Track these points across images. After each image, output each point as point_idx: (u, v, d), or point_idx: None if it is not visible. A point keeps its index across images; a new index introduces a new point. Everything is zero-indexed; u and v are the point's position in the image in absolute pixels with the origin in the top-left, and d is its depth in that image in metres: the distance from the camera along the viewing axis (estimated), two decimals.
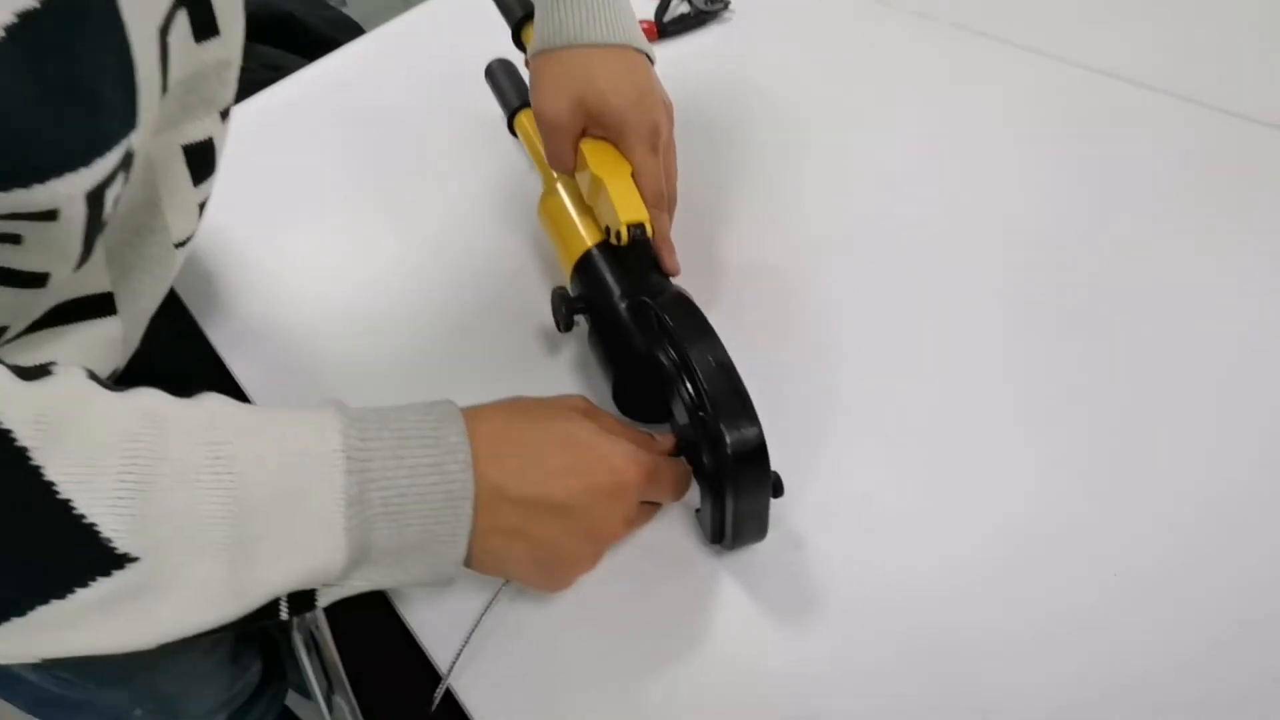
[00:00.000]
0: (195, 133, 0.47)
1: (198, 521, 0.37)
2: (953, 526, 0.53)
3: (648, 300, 0.54)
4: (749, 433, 0.47)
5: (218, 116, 0.48)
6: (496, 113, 0.77)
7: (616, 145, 0.60)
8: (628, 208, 0.58)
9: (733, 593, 0.52)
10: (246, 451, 0.38)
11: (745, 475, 0.47)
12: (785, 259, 0.68)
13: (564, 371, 0.63)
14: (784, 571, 0.52)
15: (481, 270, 0.70)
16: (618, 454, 0.47)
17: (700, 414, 0.49)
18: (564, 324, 0.59)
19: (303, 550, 0.39)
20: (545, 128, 0.61)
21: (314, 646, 0.57)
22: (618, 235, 0.58)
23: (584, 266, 0.61)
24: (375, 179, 0.79)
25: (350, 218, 0.76)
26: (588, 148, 0.61)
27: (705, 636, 0.51)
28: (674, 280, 0.61)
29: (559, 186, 0.66)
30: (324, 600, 0.42)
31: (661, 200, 0.60)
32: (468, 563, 0.45)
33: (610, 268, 0.60)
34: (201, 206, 0.51)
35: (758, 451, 0.47)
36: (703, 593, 0.52)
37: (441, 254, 0.72)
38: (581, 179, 0.63)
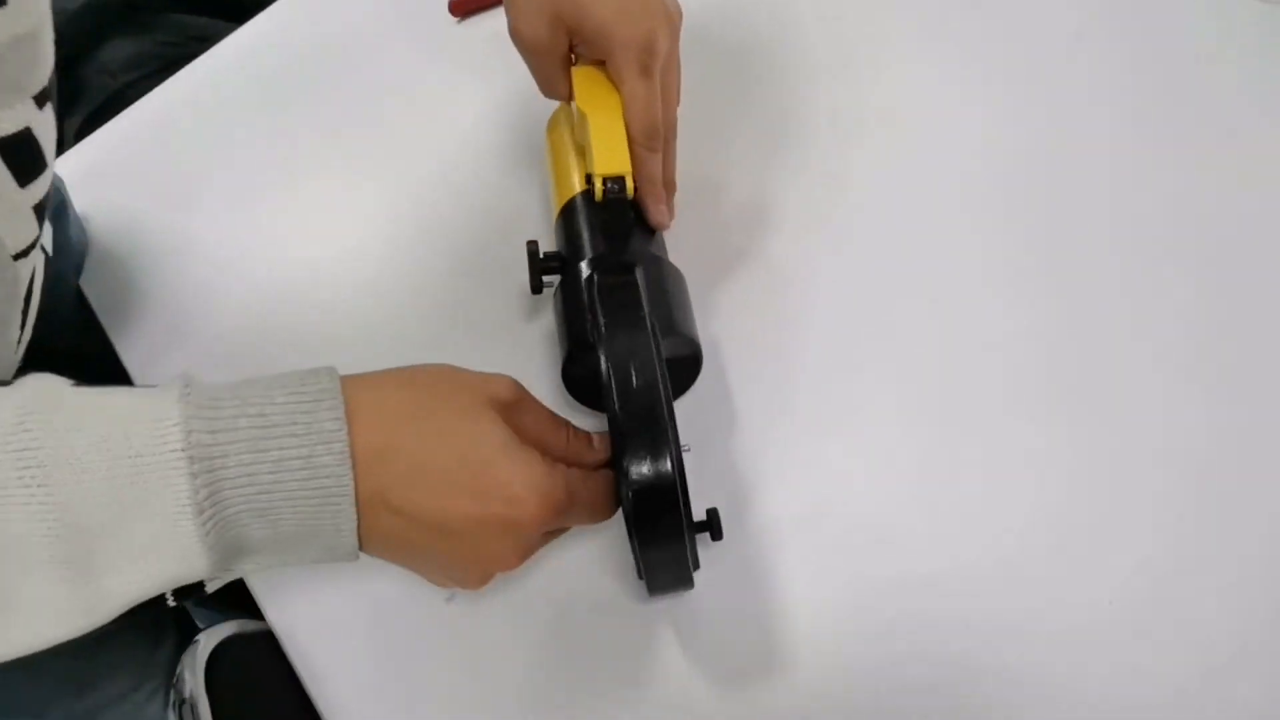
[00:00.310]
0: (5, 124, 0.41)
1: (12, 541, 0.34)
2: (947, 538, 0.48)
3: (594, 278, 0.46)
4: (652, 472, 0.38)
5: (32, 103, 0.42)
6: (470, 45, 0.66)
7: (605, 67, 0.50)
8: (605, 157, 0.49)
9: (682, 616, 0.46)
10: (66, 458, 0.34)
11: (648, 521, 0.39)
12: (797, 212, 0.57)
13: (535, 340, 0.55)
14: (742, 590, 0.47)
15: (464, 223, 0.61)
16: (520, 481, 0.39)
17: (617, 434, 0.40)
18: (533, 283, 0.51)
19: (153, 561, 0.36)
20: (523, 50, 0.52)
21: (183, 707, 0.55)
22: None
23: (565, 216, 0.52)
24: (324, 143, 0.67)
25: (297, 191, 0.65)
26: (579, 76, 0.51)
27: (650, 667, 0.46)
28: (665, 235, 0.51)
29: (561, 117, 0.56)
30: (214, 587, 0.39)
31: (654, 136, 0.50)
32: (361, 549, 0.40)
33: (588, 223, 0.51)
34: (38, 210, 0.45)
35: (664, 495, 0.38)
36: (648, 618, 0.47)
37: (413, 210, 0.62)
38: (575, 111, 0.53)
